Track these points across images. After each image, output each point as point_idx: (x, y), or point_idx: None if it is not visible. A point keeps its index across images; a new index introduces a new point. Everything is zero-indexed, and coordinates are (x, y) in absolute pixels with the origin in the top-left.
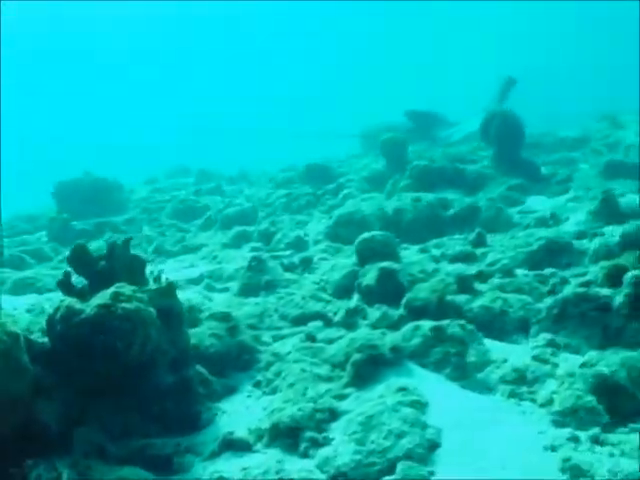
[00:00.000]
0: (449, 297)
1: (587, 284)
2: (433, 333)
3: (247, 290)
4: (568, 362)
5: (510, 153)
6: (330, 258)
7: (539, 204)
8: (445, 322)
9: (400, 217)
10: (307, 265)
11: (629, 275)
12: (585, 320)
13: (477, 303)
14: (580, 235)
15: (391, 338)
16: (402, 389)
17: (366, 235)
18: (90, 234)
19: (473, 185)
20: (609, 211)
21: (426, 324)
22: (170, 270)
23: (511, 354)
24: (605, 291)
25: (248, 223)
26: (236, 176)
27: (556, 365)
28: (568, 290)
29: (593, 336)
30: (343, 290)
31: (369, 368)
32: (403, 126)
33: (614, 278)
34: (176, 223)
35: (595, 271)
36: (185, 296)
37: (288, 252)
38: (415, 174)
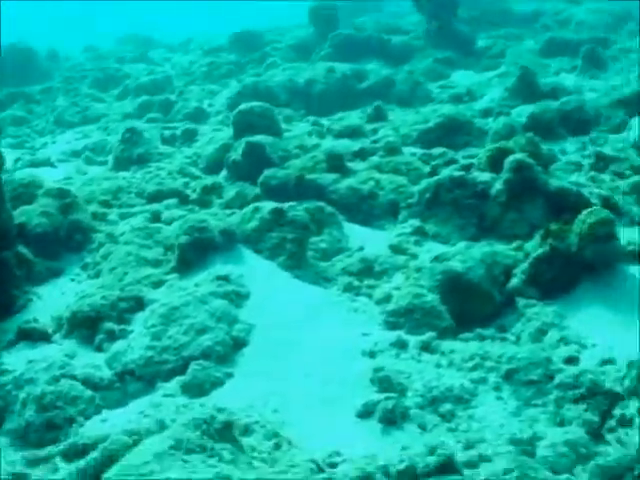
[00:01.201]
0: (314, 176)
1: (467, 168)
2: (272, 216)
3: (119, 164)
4: (430, 254)
5: (442, 22)
6: (226, 130)
7: (464, 79)
8: (288, 204)
9: (311, 88)
10: (188, 138)
11: (510, 159)
12: (459, 207)
13: (345, 184)
14: (486, 113)
15: (227, 220)
16: (222, 278)
17: (243, 106)
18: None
19: (399, 57)
20: (527, 89)
21: (267, 205)
22: (62, 142)
23: (371, 241)
24: (484, 176)
25: (163, 92)
26: (179, 44)
27: (415, 256)
28: (444, 173)
29: (467, 226)
30: (215, 165)
31: (195, 252)
32: None
33: (497, 162)
34: (94, 93)
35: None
36: (61, 170)
37: (182, 124)
38: (337, 43)
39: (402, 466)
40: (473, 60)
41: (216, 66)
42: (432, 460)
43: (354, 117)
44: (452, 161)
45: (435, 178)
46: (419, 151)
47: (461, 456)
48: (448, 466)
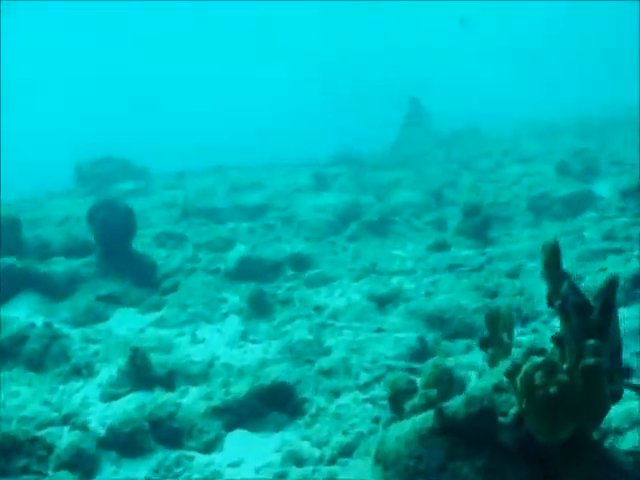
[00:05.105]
0: None
1: None
2: None
3: None
4: None
5: (116, 250)
6: None
7: (118, 326)
8: None
9: None
10: None
11: None
12: None
13: None
14: (65, 420)
15: None
16: None
17: None
18: None
19: (63, 291)
20: (138, 372)
21: None
22: None
23: None
24: None
25: None
26: None
27: None
28: None
29: None
30: None
31: None
32: None
33: None
34: None
35: None
36: None
37: None
38: None
39: None
40: (145, 292)
41: None
42: None
43: None
44: None
45: None
46: None
47: None
48: None
